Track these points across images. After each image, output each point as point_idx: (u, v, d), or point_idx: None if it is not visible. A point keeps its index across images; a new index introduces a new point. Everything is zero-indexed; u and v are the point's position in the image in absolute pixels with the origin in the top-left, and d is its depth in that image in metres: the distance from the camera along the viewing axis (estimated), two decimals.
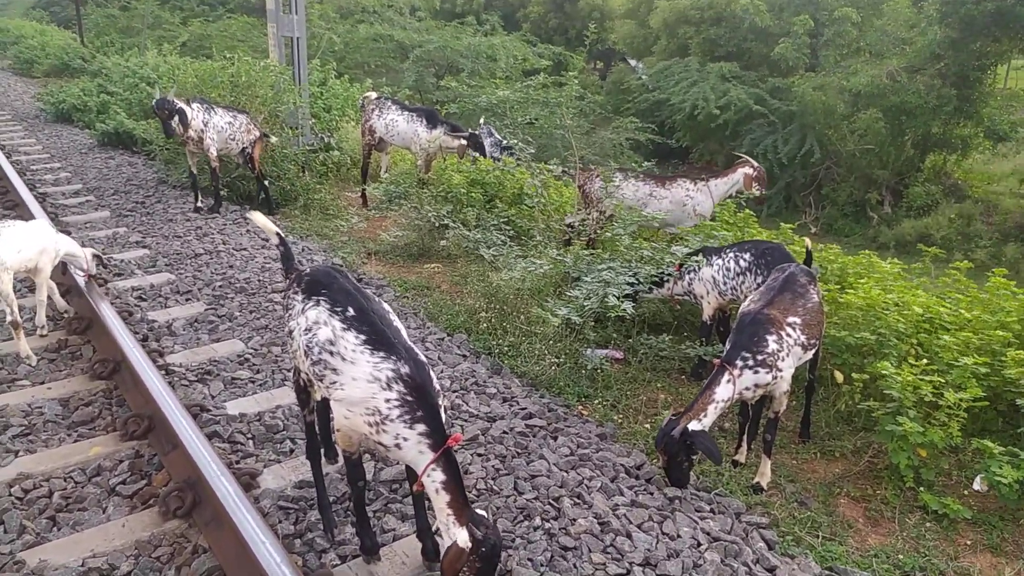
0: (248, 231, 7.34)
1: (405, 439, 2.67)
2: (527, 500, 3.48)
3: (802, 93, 20.18)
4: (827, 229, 19.37)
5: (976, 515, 3.84)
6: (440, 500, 2.65)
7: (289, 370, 4.71)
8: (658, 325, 5.70)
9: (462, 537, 2.57)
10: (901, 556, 3.54)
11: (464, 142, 8.23)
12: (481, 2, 30.28)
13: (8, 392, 4.35)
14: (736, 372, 3.68)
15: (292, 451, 3.91)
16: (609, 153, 12.11)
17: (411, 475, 2.95)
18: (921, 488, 3.95)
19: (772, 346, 3.72)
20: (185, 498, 3.40)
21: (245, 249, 6.76)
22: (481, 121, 10.15)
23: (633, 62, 28.70)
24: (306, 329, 2.95)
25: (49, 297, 5.08)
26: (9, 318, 4.64)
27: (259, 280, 6.06)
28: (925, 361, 4.15)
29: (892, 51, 19.99)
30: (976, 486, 4.05)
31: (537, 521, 3.33)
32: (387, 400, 2.67)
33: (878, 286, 4.97)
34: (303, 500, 3.50)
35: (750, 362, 3.69)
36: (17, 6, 59.58)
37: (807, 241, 4.67)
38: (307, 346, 2.92)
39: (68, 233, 6.40)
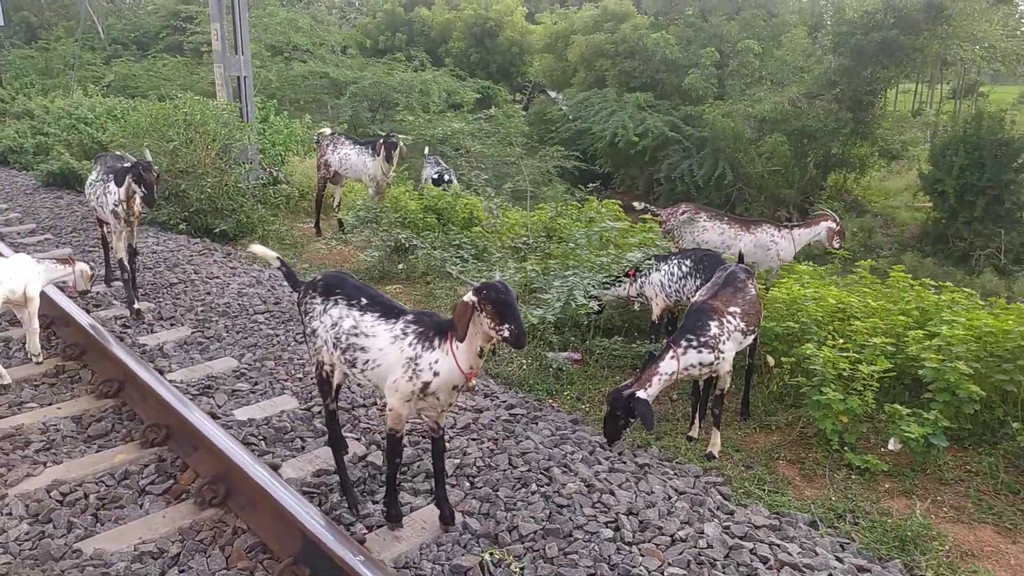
0: (215, 260, 7.67)
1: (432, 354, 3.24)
2: (522, 472, 4.03)
3: (712, 120, 21.52)
4: None
5: (891, 468, 4.58)
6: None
7: (285, 379, 5.15)
8: (609, 329, 6.35)
9: (466, 296, 3.08)
10: (833, 501, 4.24)
11: (382, 152, 8.41)
12: (403, 39, 30.98)
13: (21, 413, 4.63)
14: (680, 351, 4.34)
15: (303, 448, 4.34)
16: (540, 180, 12.91)
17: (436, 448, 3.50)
18: (845, 448, 4.67)
19: (714, 330, 4.41)
20: (218, 490, 3.80)
21: (217, 277, 7.11)
22: (426, 151, 10.75)
23: (553, 93, 29.82)
24: (332, 325, 3.53)
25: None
26: None
27: (239, 304, 6.43)
28: (842, 342, 4.92)
29: (792, 79, 21.59)
30: (890, 446, 4.81)
31: (533, 487, 3.89)
32: (409, 344, 3.29)
33: (797, 283, 5.77)
34: (323, 485, 3.94)
35: (694, 343, 4.36)
36: None
37: (741, 248, 5.43)
38: (335, 338, 3.49)
39: None
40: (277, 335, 5.85)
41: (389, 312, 3.44)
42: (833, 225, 6.77)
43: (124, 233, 6.11)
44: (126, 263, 6.17)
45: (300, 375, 5.22)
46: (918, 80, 30.34)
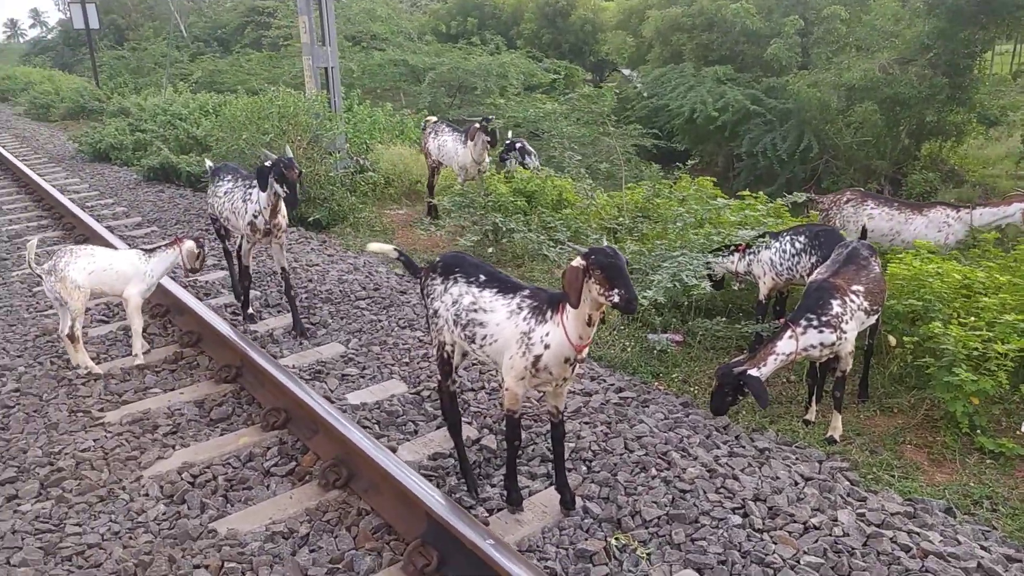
0: (312, 248, 7.84)
1: (544, 327, 3.23)
2: (639, 456, 3.96)
3: (797, 91, 20.75)
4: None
5: None
6: None
7: (392, 364, 5.21)
8: (711, 310, 6.18)
9: (575, 260, 3.03)
10: (968, 487, 4.02)
11: (477, 138, 8.17)
12: (475, 23, 30.93)
13: (146, 399, 4.82)
14: (799, 330, 4.18)
15: (416, 431, 4.39)
16: (620, 160, 12.71)
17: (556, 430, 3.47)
18: (977, 432, 4.43)
19: (836, 309, 4.23)
20: (341, 472, 3.88)
21: (317, 265, 7.26)
22: (509, 134, 10.69)
23: (626, 71, 29.33)
24: (453, 302, 3.57)
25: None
26: (66, 332, 5.04)
27: (340, 291, 6.55)
28: (973, 320, 4.65)
29: (882, 45, 20.59)
30: None
31: (652, 472, 3.82)
32: (523, 319, 3.29)
33: (917, 259, 5.48)
34: (440, 468, 3.97)
35: (814, 322, 4.19)
36: (10, 54, 60.26)
37: (864, 222, 5.20)
38: (456, 315, 3.54)
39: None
40: (380, 320, 5.93)
41: (507, 289, 3.46)
42: None
43: (255, 247, 5.88)
44: (248, 270, 5.94)
45: (407, 360, 5.27)
46: (1016, 41, 28.56)
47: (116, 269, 5.19)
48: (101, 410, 4.66)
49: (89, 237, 8.04)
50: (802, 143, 20.73)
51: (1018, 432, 4.48)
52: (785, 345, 4.19)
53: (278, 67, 17.90)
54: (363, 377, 5.05)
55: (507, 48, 20.02)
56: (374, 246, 4.14)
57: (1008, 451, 4.27)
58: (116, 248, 6.17)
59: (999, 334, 4.61)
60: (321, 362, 5.26)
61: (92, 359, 5.21)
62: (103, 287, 5.16)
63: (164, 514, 3.68)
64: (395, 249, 4.09)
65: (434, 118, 9.34)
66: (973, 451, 4.37)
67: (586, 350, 3.25)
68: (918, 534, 3.40)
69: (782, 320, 4.37)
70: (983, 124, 20.50)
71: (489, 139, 8.14)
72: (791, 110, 20.77)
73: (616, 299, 2.93)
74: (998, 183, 20.10)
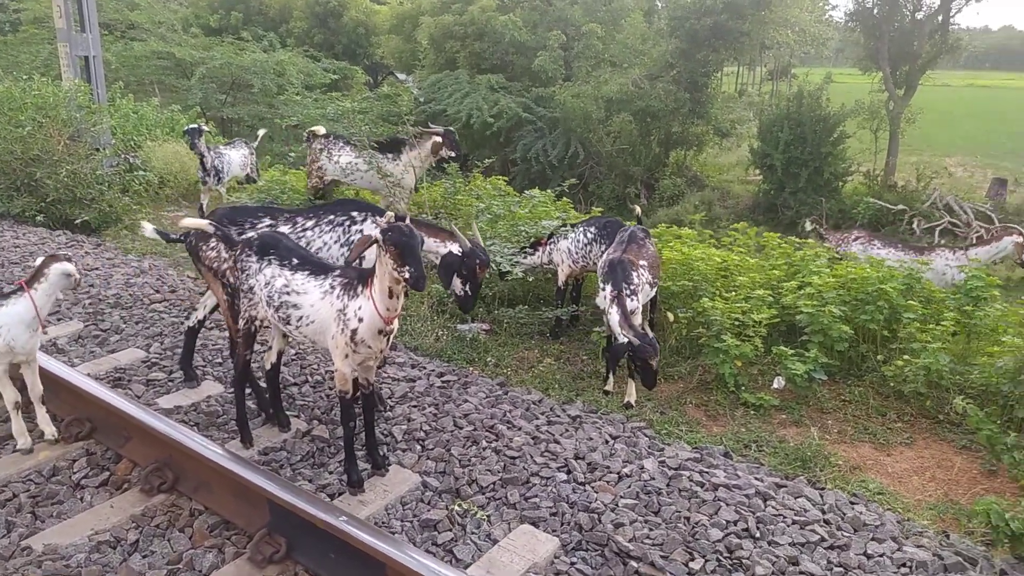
0: (88, 252, 7.22)
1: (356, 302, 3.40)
2: (469, 431, 4.23)
3: (563, 101, 22.30)
4: None
5: (780, 403, 5.18)
6: None
7: (203, 365, 5.02)
8: (512, 300, 6.62)
9: (370, 230, 3.41)
10: (739, 434, 4.76)
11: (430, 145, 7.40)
12: (239, 18, 29.56)
13: None
14: (627, 294, 4.70)
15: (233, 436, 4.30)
16: None
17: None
18: (741, 389, 5.23)
19: (635, 280, 4.80)
20: (165, 475, 3.73)
21: (97, 268, 6.71)
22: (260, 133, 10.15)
23: (402, 76, 29.62)
24: (266, 283, 3.69)
25: None
26: None
27: (130, 295, 6.13)
28: (734, 295, 5.47)
29: (633, 61, 22.76)
30: (776, 384, 5.42)
31: (483, 444, 4.10)
32: (337, 296, 3.47)
33: (684, 246, 6.31)
34: (273, 462, 3.95)
35: (626, 291, 4.73)
36: None
37: (638, 209, 5.88)
38: (269, 296, 3.67)
39: None
40: (182, 323, 5.64)
41: (318, 270, 3.61)
42: (1020, 239, 6.48)
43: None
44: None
45: (219, 360, 5.10)
46: (739, 63, 32.86)
47: None
48: None
49: None
50: (569, 150, 22.27)
51: (771, 388, 5.36)
52: (631, 303, 4.67)
53: (16, 53, 15.89)
54: (171, 381, 4.82)
55: (284, 47, 19.40)
56: (188, 221, 4.03)
57: (766, 403, 5.09)
58: None
59: (753, 307, 5.48)
60: (120, 368, 4.93)
61: None
62: None
63: None
64: (210, 223, 4.02)
65: (323, 130, 8.00)
66: (739, 406, 5.15)
67: (395, 322, 3.46)
68: (708, 473, 4.00)
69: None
70: (718, 135, 23.38)
71: (453, 154, 7.40)
72: (558, 119, 22.25)
73: (407, 275, 3.15)
74: (731, 187, 23.04)
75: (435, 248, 4.49)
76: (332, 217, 4.32)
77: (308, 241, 4.27)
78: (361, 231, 4.19)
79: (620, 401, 5.05)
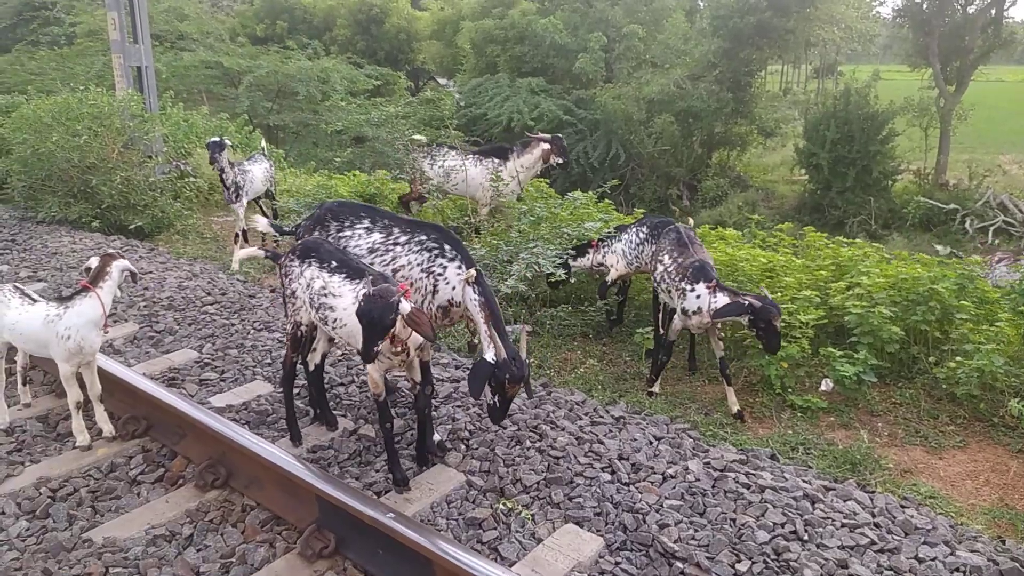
0: (141, 256, 7.44)
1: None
2: (513, 431, 4.26)
3: (604, 103, 22.26)
4: None
5: (829, 406, 5.10)
6: None
7: (253, 366, 5.14)
8: (553, 302, 6.63)
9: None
10: (785, 437, 4.70)
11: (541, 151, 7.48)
12: (284, 27, 30.13)
13: None
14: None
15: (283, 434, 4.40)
16: None
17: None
18: (788, 391, 5.16)
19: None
20: (219, 471, 3.83)
21: (151, 272, 6.91)
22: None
23: (443, 80, 29.87)
24: (307, 285, 3.80)
25: None
26: None
27: (183, 297, 6.30)
28: (778, 295, 5.40)
29: (675, 62, 22.63)
30: (824, 387, 5.33)
31: (527, 444, 4.12)
32: None
33: (728, 247, 6.25)
34: (321, 460, 4.03)
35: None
36: None
37: (691, 220, 5.88)
38: (310, 298, 3.78)
39: None
40: (233, 324, 5.80)
41: (353, 275, 3.67)
42: None
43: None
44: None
45: (268, 360, 5.22)
46: (783, 61, 32.40)
47: None
48: None
49: None
50: (611, 151, 22.22)
51: (819, 390, 5.28)
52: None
53: (72, 65, 16.44)
54: (223, 380, 4.94)
55: (328, 54, 19.74)
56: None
57: (813, 406, 5.02)
58: None
59: (800, 307, 5.41)
60: (174, 368, 5.08)
61: None
62: None
63: (27, 530, 3.46)
64: (261, 247, 4.18)
65: (423, 137, 7.98)
66: (786, 408, 5.09)
67: (408, 343, 3.50)
68: (754, 474, 3.96)
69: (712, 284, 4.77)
70: (762, 135, 23.10)
71: (561, 160, 7.46)
72: (599, 120, 22.21)
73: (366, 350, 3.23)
74: (776, 187, 22.72)
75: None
76: (424, 239, 4.06)
77: (395, 256, 4.06)
78: (445, 267, 3.93)
79: (664, 404, 5.02)
